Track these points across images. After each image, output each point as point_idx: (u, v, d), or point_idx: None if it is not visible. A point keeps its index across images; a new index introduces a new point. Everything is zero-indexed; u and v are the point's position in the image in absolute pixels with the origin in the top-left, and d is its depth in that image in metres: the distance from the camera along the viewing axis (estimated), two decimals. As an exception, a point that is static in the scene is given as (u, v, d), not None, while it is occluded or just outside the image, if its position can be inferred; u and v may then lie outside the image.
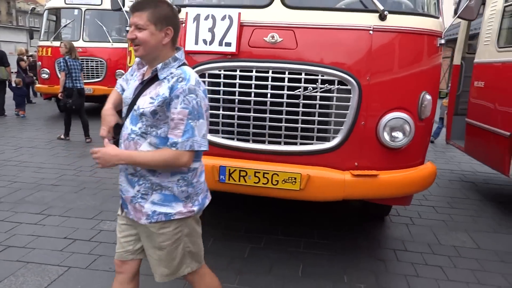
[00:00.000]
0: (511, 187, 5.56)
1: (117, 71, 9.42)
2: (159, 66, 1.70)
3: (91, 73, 9.29)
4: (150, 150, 1.70)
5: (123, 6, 3.12)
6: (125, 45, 9.71)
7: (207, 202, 1.95)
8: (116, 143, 1.78)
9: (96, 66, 9.29)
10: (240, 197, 4.43)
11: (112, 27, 9.80)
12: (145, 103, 1.67)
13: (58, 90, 7.11)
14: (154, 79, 1.72)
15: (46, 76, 9.37)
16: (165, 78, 1.69)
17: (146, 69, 1.79)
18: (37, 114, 10.30)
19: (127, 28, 2.97)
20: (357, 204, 4.35)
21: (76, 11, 9.48)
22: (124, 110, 1.80)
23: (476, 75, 5.02)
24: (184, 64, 1.77)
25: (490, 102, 4.61)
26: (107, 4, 9.58)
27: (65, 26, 9.76)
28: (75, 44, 9.06)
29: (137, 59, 1.82)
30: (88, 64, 9.21)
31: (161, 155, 1.66)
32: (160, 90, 1.66)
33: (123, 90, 1.91)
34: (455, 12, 2.92)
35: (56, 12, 10.04)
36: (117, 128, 1.78)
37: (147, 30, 1.65)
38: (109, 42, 9.41)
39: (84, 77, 9.20)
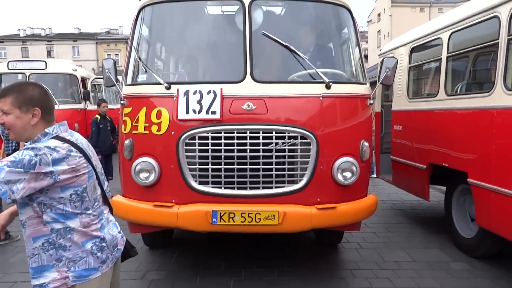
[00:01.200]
0: (432, 211, 6.68)
1: (64, 131, 9.57)
2: (27, 144, 1.78)
3: (38, 135, 9.36)
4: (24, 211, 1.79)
5: (116, 82, 3.69)
6: (73, 106, 10.00)
7: (92, 277, 1.83)
8: None
9: (42, 128, 9.39)
10: (213, 238, 5.00)
11: (57, 90, 10.01)
12: None
13: None
14: None
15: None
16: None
17: None
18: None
19: (121, 102, 3.59)
20: (312, 235, 5.09)
21: (20, 76, 9.63)
22: None
23: (394, 120, 6.17)
24: (56, 137, 1.81)
25: (408, 141, 5.71)
26: (51, 68, 9.92)
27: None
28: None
29: None
30: (34, 126, 9.30)
31: None
32: None
33: None
34: (378, 79, 3.90)
35: (-3, 77, 10.12)
36: None
37: (12, 114, 1.76)
38: (55, 104, 9.59)
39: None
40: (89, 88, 10.92)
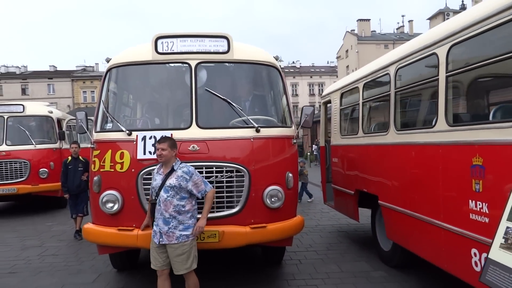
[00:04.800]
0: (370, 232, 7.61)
1: (40, 170, 10.22)
2: (174, 164, 3.80)
3: (15, 173, 9.98)
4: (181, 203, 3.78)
5: (87, 130, 4.54)
6: (49, 146, 10.68)
7: None
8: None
9: (20, 167, 10.01)
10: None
11: (34, 131, 10.68)
12: (172, 181, 3.73)
13: None
14: (171, 171, 3.79)
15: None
16: (178, 168, 3.80)
17: (164, 168, 3.87)
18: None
19: (91, 146, 4.40)
20: (259, 252, 5.93)
21: (-2, 119, 10.30)
22: (156, 190, 3.80)
23: (332, 153, 7.19)
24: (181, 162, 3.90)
25: (342, 171, 6.70)
26: (29, 111, 10.65)
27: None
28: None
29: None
30: (12, 165, 9.94)
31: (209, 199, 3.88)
32: (177, 174, 3.77)
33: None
34: (299, 124, 4.89)
35: (-26, 121, 10.77)
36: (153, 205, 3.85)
37: (166, 150, 3.76)
38: (32, 144, 10.27)
39: (8, 178, 9.92)
40: (64, 128, 11.61)
